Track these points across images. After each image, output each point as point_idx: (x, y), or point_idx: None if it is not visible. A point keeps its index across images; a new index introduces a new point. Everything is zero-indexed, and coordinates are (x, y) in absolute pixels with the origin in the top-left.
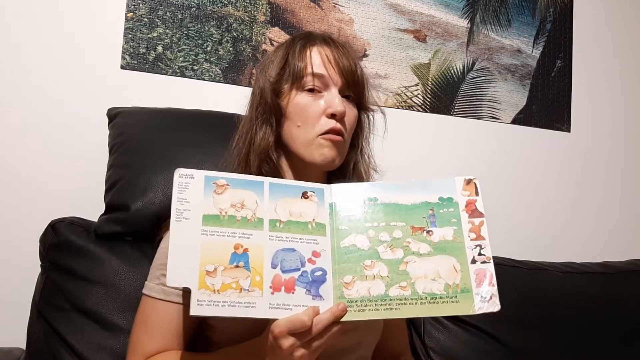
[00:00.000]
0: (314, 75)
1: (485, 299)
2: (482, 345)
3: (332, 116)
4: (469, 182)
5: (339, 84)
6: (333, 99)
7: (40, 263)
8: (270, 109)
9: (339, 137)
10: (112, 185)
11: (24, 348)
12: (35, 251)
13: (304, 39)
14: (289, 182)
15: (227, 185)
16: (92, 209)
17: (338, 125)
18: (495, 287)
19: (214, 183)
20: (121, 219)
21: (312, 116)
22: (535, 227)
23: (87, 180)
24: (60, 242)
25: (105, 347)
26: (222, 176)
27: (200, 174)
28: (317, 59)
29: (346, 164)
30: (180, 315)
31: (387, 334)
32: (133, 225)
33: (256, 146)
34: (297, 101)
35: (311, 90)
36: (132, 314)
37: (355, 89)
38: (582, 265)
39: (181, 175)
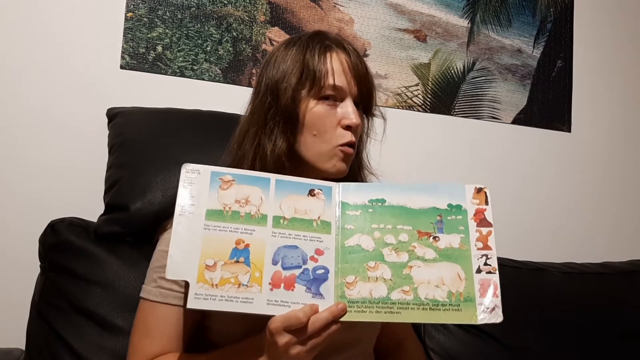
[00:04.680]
0: (334, 86)
1: (488, 309)
2: (482, 346)
3: (348, 128)
4: (479, 190)
5: (354, 94)
6: (349, 111)
7: (39, 263)
8: (288, 117)
9: (352, 150)
10: (112, 185)
11: (24, 348)
12: (35, 251)
13: (321, 42)
14: (296, 179)
15: (233, 181)
16: (91, 209)
17: (353, 138)
18: (499, 299)
19: (219, 179)
20: (121, 219)
21: (328, 126)
22: (535, 228)
23: (86, 180)
24: (60, 242)
25: (105, 347)
26: (229, 172)
27: (206, 170)
28: (337, 67)
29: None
30: (179, 317)
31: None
32: (132, 225)
33: (269, 152)
34: (315, 110)
35: (327, 98)
36: (132, 315)
37: (367, 98)
38: (582, 266)
39: (188, 170)
